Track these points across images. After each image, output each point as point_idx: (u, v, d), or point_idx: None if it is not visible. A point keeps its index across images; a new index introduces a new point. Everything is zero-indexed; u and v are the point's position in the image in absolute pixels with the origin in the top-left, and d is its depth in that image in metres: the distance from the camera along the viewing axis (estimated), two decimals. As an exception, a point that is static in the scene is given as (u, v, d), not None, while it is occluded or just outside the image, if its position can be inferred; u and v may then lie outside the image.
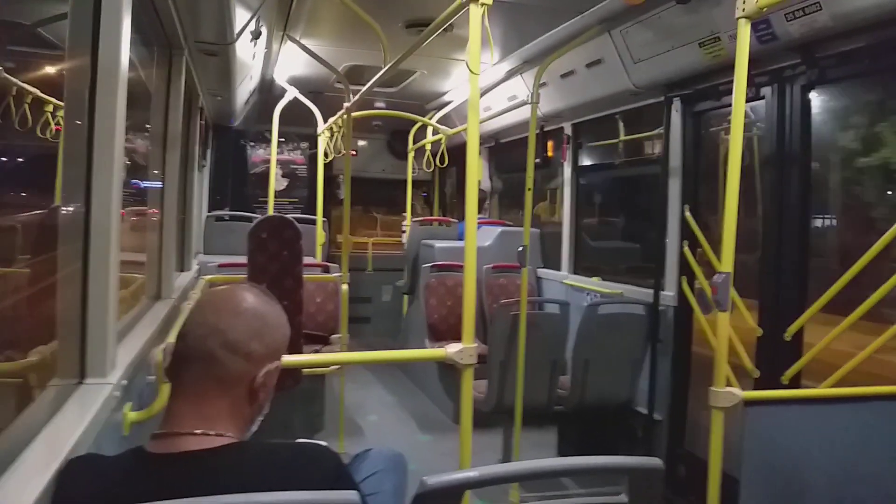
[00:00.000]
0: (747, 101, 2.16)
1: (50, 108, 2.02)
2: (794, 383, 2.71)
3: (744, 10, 1.97)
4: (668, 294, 3.53)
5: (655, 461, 1.04)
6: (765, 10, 1.96)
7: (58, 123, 1.95)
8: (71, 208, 1.50)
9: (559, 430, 4.04)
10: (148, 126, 2.97)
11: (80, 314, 1.49)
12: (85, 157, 1.50)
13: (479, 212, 6.19)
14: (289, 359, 1.96)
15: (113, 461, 1.09)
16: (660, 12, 3.05)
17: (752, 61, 2.08)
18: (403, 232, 6.61)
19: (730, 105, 2.06)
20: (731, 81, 2.02)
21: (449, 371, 4.47)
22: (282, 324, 1.18)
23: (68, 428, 1.24)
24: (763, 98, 2.95)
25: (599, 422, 3.80)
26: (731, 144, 2.05)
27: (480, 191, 6.49)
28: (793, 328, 2.73)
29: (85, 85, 1.51)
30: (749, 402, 2.06)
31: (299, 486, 0.99)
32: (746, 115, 2.61)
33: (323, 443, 1.18)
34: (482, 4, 1.85)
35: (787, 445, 2.07)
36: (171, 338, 1.19)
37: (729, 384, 2.10)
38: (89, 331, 1.49)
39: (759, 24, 2.56)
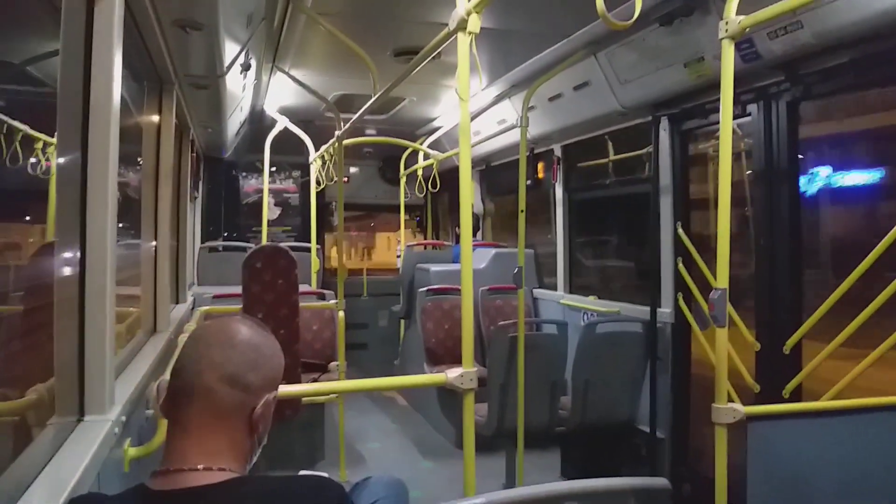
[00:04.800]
0: (734, 118, 2.19)
1: (40, 144, 2.02)
2: (796, 397, 2.71)
3: (727, 31, 2.00)
4: (665, 311, 3.53)
5: (662, 481, 1.03)
6: (747, 30, 1.99)
7: (48, 160, 1.95)
8: (65, 244, 1.50)
9: (562, 450, 4.01)
10: (140, 159, 2.98)
11: (78, 351, 1.48)
12: (79, 194, 1.50)
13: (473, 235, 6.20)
14: (287, 389, 1.95)
15: (116, 500, 1.08)
16: (644, 35, 3.09)
17: (738, 79, 2.11)
18: (398, 256, 6.61)
19: (717, 123, 2.08)
20: (718, 100, 2.05)
21: (449, 395, 4.44)
22: (276, 353, 1.18)
23: (69, 466, 1.22)
24: (749, 115, 2.99)
25: (602, 441, 3.78)
26: (720, 162, 2.07)
27: (473, 214, 6.50)
28: (791, 341, 2.73)
29: (77, 121, 1.51)
30: (752, 418, 2.05)
31: None
32: (734, 133, 2.64)
33: (325, 474, 1.17)
34: (469, 33, 1.86)
35: (792, 460, 2.06)
36: (167, 372, 1.18)
37: (731, 400, 2.09)
38: (87, 367, 1.48)
39: (743, 43, 2.60)
